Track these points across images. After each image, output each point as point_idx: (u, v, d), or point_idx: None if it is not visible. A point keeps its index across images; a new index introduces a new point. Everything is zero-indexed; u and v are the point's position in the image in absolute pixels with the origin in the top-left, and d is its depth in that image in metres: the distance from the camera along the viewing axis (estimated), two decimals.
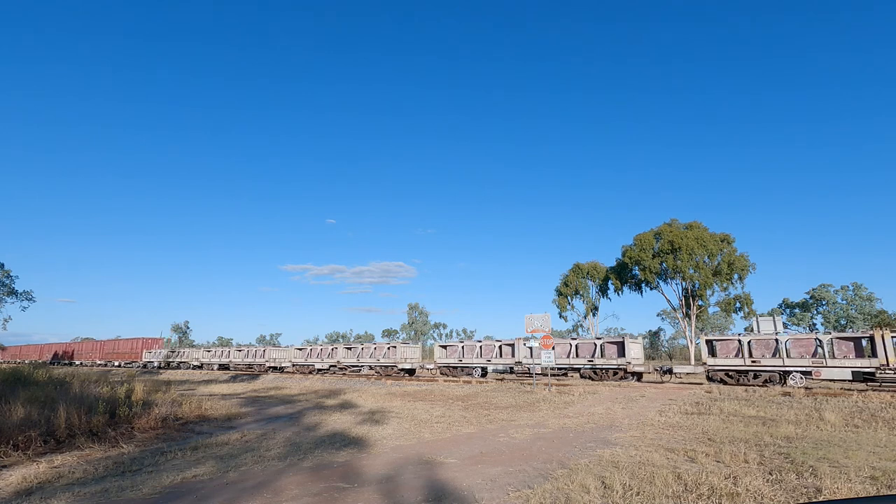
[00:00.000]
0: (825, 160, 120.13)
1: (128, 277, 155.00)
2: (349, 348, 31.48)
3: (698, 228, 40.65)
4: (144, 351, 47.58)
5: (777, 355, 18.85)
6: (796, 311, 56.31)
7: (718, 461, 6.77)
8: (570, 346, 23.24)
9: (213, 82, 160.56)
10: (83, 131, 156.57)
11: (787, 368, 18.46)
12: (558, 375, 23.49)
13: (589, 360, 22.46)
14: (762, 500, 5.04)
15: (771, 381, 18.83)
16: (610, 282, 46.80)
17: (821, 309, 54.55)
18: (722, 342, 20.39)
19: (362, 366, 29.96)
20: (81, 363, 53.41)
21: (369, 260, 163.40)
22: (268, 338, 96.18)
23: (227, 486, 5.97)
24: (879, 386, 16.77)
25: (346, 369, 30.65)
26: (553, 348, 19.59)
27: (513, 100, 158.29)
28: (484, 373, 25.69)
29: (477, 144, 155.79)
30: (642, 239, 42.68)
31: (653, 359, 55.14)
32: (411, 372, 28.37)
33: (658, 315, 68.08)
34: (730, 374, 19.72)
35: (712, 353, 20.38)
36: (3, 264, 50.06)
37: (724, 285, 40.55)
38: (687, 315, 41.75)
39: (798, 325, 54.08)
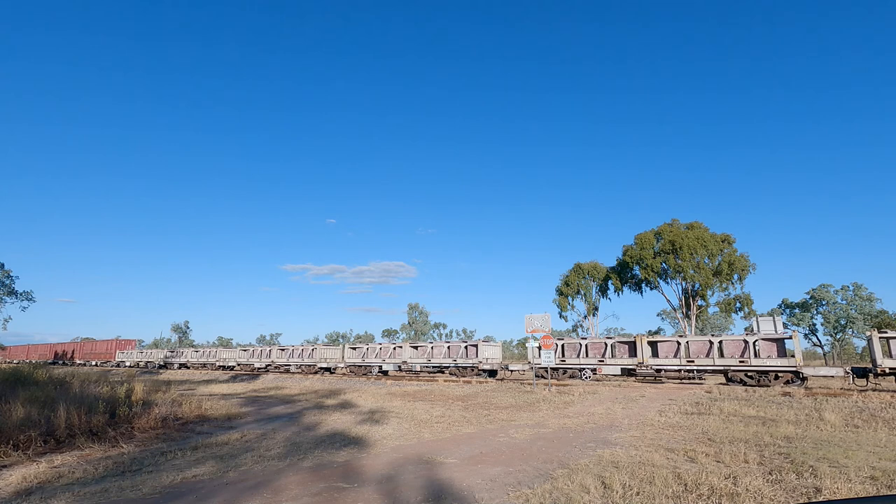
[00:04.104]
0: (825, 160, 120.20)
1: (128, 277, 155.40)
2: (283, 349, 36.34)
3: (699, 228, 40.65)
4: (118, 351, 51.79)
5: (579, 355, 22.80)
6: (796, 311, 56.20)
7: (718, 461, 6.77)
8: (445, 347, 26.97)
9: (213, 82, 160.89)
10: (83, 131, 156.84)
11: (582, 365, 22.55)
12: (434, 373, 27.19)
13: (454, 360, 26.10)
14: (762, 500, 5.03)
15: (574, 376, 22.82)
16: (610, 282, 46.78)
17: (821, 309, 54.46)
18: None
19: (291, 364, 34.21)
20: (64, 362, 55.68)
21: (369, 260, 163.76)
22: (268, 338, 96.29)
23: (227, 486, 5.97)
24: (643, 379, 21.99)
25: (279, 367, 34.88)
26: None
27: (513, 100, 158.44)
28: (381, 370, 29.34)
29: (477, 144, 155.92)
30: (643, 238, 42.69)
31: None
32: (330, 370, 32.71)
33: (658, 315, 68.09)
34: (547, 369, 23.36)
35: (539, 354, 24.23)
36: (3, 264, 50.13)
37: (725, 285, 40.55)
38: (687, 315, 41.75)
39: (798, 325, 54.00)
